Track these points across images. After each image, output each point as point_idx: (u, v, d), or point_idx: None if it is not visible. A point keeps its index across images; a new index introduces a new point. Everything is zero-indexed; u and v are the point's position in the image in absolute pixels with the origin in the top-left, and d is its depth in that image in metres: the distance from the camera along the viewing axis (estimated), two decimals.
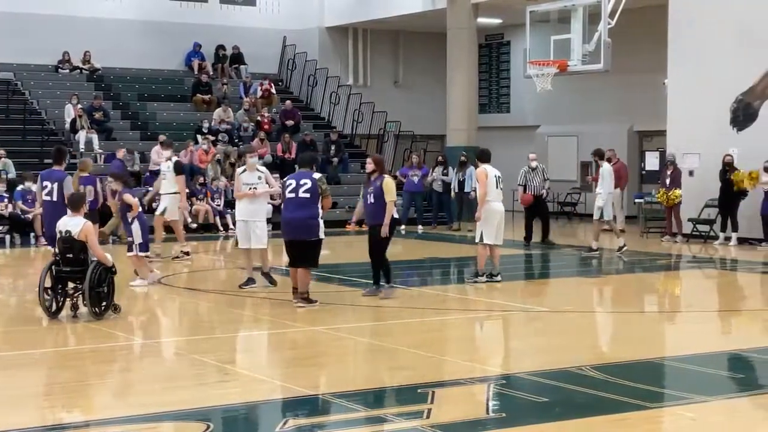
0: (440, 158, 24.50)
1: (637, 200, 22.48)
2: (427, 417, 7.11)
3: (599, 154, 18.59)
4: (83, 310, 10.96)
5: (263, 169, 14.15)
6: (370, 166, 12.81)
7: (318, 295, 12.22)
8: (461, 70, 25.83)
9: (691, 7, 20.64)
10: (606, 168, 18.06)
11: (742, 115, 19.84)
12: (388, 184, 12.49)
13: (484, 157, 14.51)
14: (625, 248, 17.89)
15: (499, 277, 14.06)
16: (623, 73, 24.37)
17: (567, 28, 19.86)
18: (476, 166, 14.81)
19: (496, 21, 28.96)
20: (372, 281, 12.90)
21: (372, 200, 12.55)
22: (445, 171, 23.90)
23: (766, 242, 18.88)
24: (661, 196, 20.31)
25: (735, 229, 19.49)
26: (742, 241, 19.45)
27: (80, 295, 10.96)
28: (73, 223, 10.95)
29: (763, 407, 7.65)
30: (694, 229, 20.30)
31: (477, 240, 14.11)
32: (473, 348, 10.36)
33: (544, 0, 20.82)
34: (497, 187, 14.05)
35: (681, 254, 18.77)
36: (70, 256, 10.90)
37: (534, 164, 20.25)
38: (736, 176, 19.19)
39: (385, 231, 12.41)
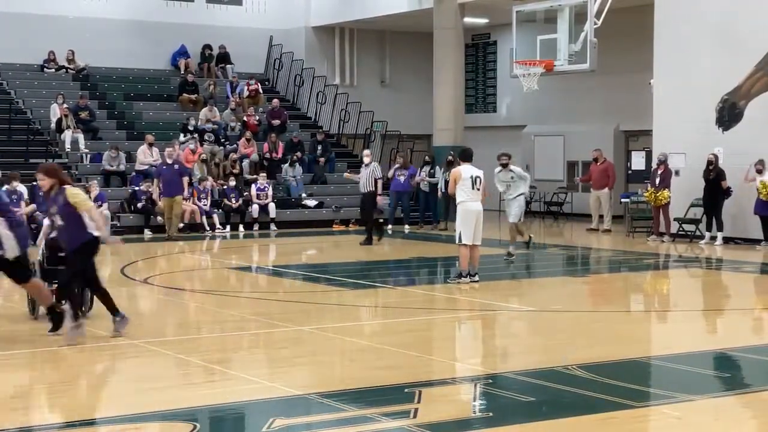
0: (427, 158, 24.51)
1: (623, 200, 22.54)
2: (414, 416, 7.12)
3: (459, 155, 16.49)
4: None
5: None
6: (43, 182, 9.94)
7: (306, 295, 12.21)
8: (448, 70, 25.85)
9: (677, 8, 20.70)
10: (517, 170, 17.20)
11: (728, 115, 19.90)
12: (74, 195, 9.82)
13: (465, 156, 14.55)
14: (531, 241, 18.37)
15: (476, 278, 14.05)
16: (609, 73, 24.46)
17: (553, 28, 19.92)
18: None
19: (483, 21, 28.99)
20: None
21: (62, 222, 9.90)
22: (431, 171, 23.90)
23: (766, 242, 18.92)
24: (649, 195, 20.36)
25: (720, 228, 19.56)
26: (727, 240, 19.51)
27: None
28: None
29: (748, 406, 7.68)
30: (680, 229, 20.36)
31: (457, 241, 14.11)
32: (460, 347, 10.37)
33: (531, 0, 20.87)
34: (474, 188, 13.99)
35: (667, 253, 18.81)
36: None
37: (366, 160, 20.20)
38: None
39: (110, 240, 10.53)
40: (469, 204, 13.94)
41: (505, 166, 17.00)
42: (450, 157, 23.44)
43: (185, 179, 21.52)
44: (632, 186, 24.72)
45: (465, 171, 14.04)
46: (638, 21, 23.65)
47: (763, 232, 18.98)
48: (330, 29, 29.99)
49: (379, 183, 20.03)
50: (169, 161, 21.28)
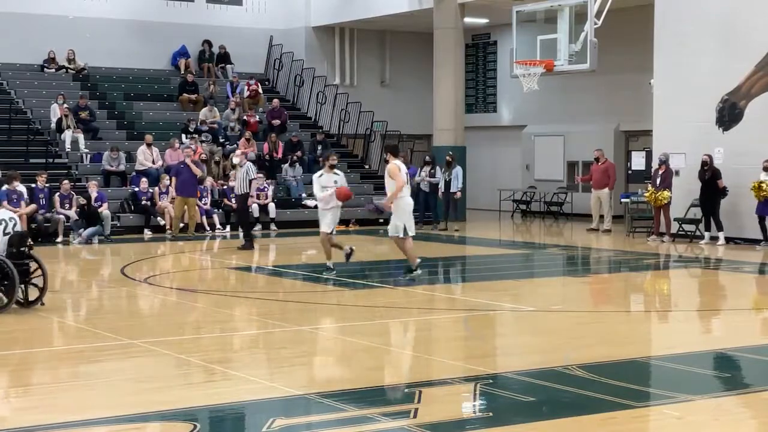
0: (427, 158, 24.50)
1: (623, 200, 22.54)
2: (414, 416, 7.12)
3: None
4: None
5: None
6: None
7: (305, 295, 12.22)
8: (448, 70, 25.85)
9: (677, 7, 20.70)
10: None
11: (728, 115, 19.90)
12: None
13: (396, 151, 14.75)
14: (351, 252, 15.28)
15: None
16: (609, 72, 24.47)
17: (553, 28, 19.91)
18: (387, 160, 14.72)
19: (483, 21, 28.99)
20: None
21: None
22: (432, 171, 23.89)
23: (765, 242, 18.92)
24: (649, 195, 20.36)
25: (719, 228, 19.55)
26: (727, 240, 19.51)
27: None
28: None
29: (748, 406, 7.68)
30: (681, 229, 20.36)
31: (401, 234, 14.21)
32: (460, 347, 10.37)
33: (531, 0, 20.87)
34: (408, 183, 14.38)
35: (667, 254, 18.81)
36: None
37: (236, 160, 19.43)
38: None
39: None
40: (407, 198, 14.27)
41: (332, 167, 15.08)
42: (449, 158, 23.48)
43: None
44: (632, 186, 24.71)
45: (402, 166, 14.29)
46: (638, 21, 23.66)
47: (762, 232, 18.99)
48: (330, 29, 29.99)
49: (254, 184, 19.13)
50: (187, 161, 21.30)
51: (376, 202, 24.58)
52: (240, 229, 19.96)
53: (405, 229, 14.13)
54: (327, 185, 14.75)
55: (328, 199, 14.75)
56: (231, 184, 23.22)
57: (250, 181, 19.07)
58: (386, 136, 28.20)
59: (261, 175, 19.58)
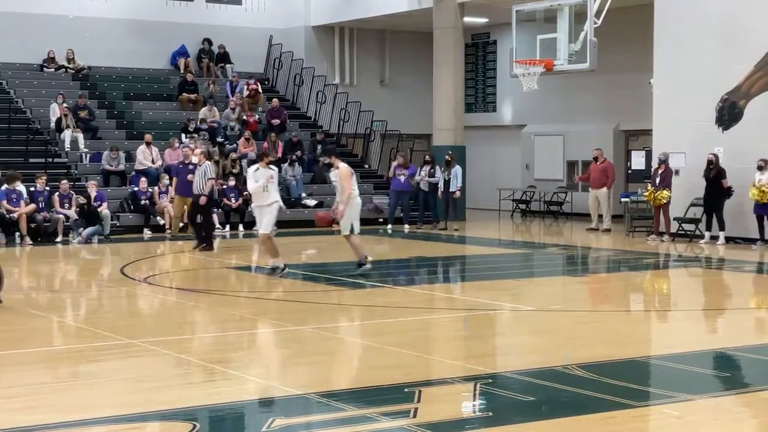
0: (427, 157, 24.49)
1: (623, 199, 22.54)
2: (414, 416, 7.11)
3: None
4: None
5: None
6: None
7: (306, 295, 12.21)
8: (447, 70, 25.85)
9: (677, 7, 20.71)
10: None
11: (728, 115, 19.91)
12: None
13: (337, 153, 15.28)
14: (282, 270, 14.82)
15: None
16: (609, 72, 24.48)
17: (553, 28, 19.91)
18: (332, 164, 14.91)
19: (483, 20, 28.99)
20: None
21: None
22: (432, 170, 23.88)
23: (761, 241, 18.92)
24: (649, 195, 20.36)
25: (722, 228, 19.55)
26: (728, 239, 19.50)
27: None
28: None
29: (748, 405, 7.68)
30: (680, 228, 20.36)
31: (348, 232, 14.51)
32: (460, 347, 10.36)
33: None
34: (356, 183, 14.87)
35: (667, 253, 18.81)
36: None
37: (195, 159, 19.27)
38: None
39: None
40: (358, 198, 14.68)
41: (267, 164, 14.87)
42: (448, 157, 23.47)
43: (207, 180, 21.42)
44: (632, 186, 24.72)
45: (351, 169, 14.76)
46: (638, 21, 23.66)
47: (760, 231, 18.99)
48: (330, 29, 29.99)
49: (210, 184, 18.71)
50: (187, 161, 21.29)
51: (375, 202, 24.67)
52: (193, 230, 19.29)
53: (352, 228, 14.53)
54: (260, 180, 14.65)
55: (260, 194, 14.67)
56: (231, 183, 23.25)
57: (208, 181, 18.56)
58: (386, 136, 28.24)
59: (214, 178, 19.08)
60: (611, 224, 22.80)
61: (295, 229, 22.94)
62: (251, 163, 24.70)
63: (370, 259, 14.83)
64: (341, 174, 14.40)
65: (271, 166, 15.04)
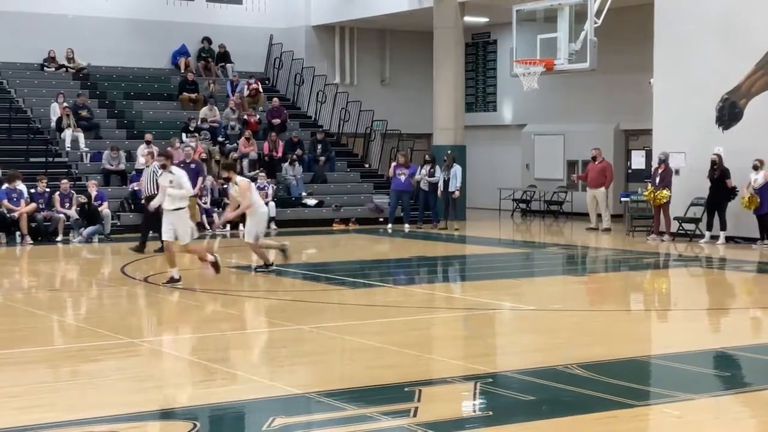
0: (427, 157, 24.48)
1: (623, 199, 22.54)
2: (414, 415, 7.12)
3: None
4: None
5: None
6: None
7: (305, 294, 12.22)
8: (448, 69, 25.84)
9: (677, 7, 20.70)
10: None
11: (728, 114, 19.90)
12: None
13: (236, 168, 16.14)
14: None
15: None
16: (609, 72, 24.47)
17: (553, 27, 19.90)
18: (230, 179, 15.22)
19: (483, 20, 28.98)
20: None
21: None
22: (432, 170, 23.87)
23: (761, 240, 18.92)
24: (648, 194, 20.36)
25: (723, 227, 19.55)
26: (728, 239, 19.50)
27: None
28: None
29: (748, 405, 7.68)
30: (680, 228, 20.36)
31: (252, 240, 14.96)
32: (460, 346, 10.37)
33: None
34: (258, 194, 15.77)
35: (667, 253, 18.82)
36: None
37: (142, 160, 19.09)
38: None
39: None
40: (264, 208, 15.46)
41: (164, 167, 13.87)
42: (446, 158, 23.45)
43: (200, 179, 21.48)
44: (632, 185, 24.72)
45: (251, 184, 15.42)
46: (638, 20, 23.65)
47: (760, 231, 18.99)
48: (330, 28, 29.98)
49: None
50: (187, 161, 21.28)
51: (376, 201, 24.67)
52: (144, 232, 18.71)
53: (257, 235, 15.02)
54: (163, 184, 13.80)
55: (165, 199, 13.77)
56: None
57: (157, 182, 18.03)
58: (386, 135, 28.23)
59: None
60: (611, 224, 22.79)
61: (295, 228, 22.96)
62: (251, 163, 24.96)
63: (274, 265, 15.22)
64: (241, 188, 14.88)
65: (173, 168, 13.87)
